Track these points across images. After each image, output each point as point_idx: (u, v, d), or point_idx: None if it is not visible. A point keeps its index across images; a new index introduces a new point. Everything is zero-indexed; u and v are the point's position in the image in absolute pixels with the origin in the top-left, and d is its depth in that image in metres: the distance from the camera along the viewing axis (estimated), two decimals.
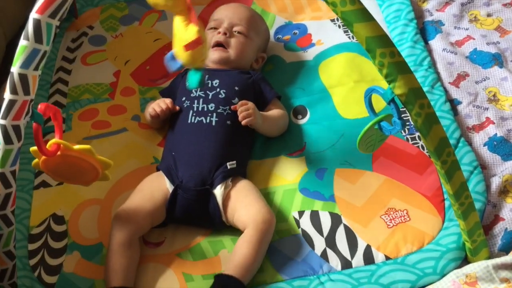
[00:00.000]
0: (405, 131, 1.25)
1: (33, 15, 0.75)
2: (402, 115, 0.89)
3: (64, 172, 0.95)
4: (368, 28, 0.78)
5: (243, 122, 1.16)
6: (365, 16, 0.78)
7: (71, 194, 1.20)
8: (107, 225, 1.11)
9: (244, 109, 1.17)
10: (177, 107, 1.23)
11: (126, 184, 1.19)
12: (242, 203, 1.08)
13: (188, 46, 0.83)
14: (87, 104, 1.38)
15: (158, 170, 1.18)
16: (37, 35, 0.75)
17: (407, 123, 1.21)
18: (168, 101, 1.24)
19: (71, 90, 1.42)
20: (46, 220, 1.16)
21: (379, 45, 0.79)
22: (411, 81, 0.82)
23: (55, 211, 1.18)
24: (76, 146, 0.91)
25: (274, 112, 1.26)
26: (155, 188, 1.12)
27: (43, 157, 0.90)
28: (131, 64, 1.47)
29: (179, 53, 0.85)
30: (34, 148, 0.88)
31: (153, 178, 1.15)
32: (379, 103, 1.04)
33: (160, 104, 1.23)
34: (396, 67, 0.80)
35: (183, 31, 0.84)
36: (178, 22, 0.84)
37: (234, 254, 1.04)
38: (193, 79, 0.89)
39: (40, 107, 0.83)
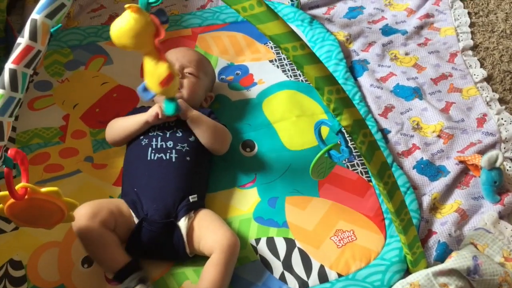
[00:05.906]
0: (351, 159, 1.36)
1: (9, 65, 0.79)
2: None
3: (28, 216, 0.96)
4: (316, 69, 0.89)
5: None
6: (314, 59, 0.89)
7: (27, 239, 1.19)
8: (68, 267, 1.13)
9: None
10: None
11: None
12: (207, 230, 1.14)
13: (163, 83, 0.92)
14: (37, 148, 1.39)
15: None
16: (13, 84, 0.79)
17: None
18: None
19: (19, 136, 1.41)
20: (3, 266, 1.15)
21: (326, 83, 0.90)
22: (355, 114, 0.93)
23: (11, 256, 1.17)
24: (43, 189, 0.93)
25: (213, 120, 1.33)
26: (124, 209, 1.16)
27: (8, 202, 0.91)
28: (80, 107, 1.49)
29: (152, 87, 0.94)
30: (2, 193, 0.90)
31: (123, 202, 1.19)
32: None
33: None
34: (342, 102, 0.91)
35: (153, 68, 0.93)
36: (147, 60, 0.93)
37: (202, 279, 1.08)
38: (169, 107, 1.00)
39: (10, 152, 0.85)
